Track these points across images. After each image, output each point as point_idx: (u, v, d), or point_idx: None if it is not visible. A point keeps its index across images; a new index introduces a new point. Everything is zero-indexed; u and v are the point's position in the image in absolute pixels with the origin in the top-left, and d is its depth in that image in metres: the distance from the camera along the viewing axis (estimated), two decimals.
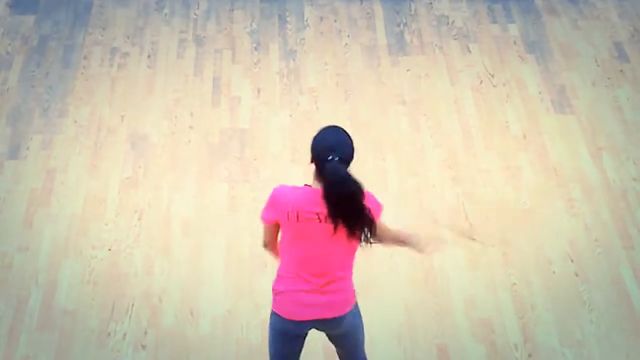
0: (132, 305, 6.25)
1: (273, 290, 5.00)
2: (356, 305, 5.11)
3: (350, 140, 4.83)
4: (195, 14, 8.65)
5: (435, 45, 8.32)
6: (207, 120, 7.59)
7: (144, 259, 6.54)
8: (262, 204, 6.80)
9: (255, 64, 8.14)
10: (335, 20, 8.61)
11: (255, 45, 8.33)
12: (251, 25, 8.55)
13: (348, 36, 8.44)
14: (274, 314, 5.00)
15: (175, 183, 7.09)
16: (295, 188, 4.87)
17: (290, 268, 4.92)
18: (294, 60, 8.19)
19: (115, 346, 6.03)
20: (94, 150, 7.30)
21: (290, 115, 7.67)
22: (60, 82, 7.89)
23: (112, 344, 6.04)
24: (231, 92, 7.85)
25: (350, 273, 4.99)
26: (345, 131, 4.86)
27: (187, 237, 6.70)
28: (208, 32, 8.45)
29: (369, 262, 6.51)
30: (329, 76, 8.03)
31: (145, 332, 6.10)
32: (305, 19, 8.63)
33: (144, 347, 6.03)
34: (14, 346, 5.99)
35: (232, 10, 8.71)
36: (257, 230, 6.66)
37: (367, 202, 4.81)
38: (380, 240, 5.00)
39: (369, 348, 5.99)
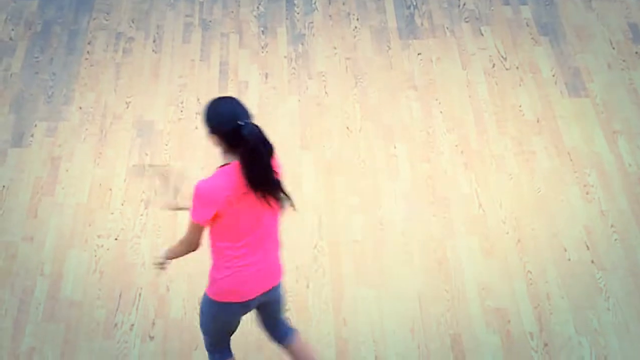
0: (140, 295, 6.14)
1: (216, 280, 4.88)
2: None
3: (241, 101, 4.72)
4: None
5: (447, 28, 8.18)
6: None
7: (151, 249, 6.43)
8: None
9: (263, 48, 8.01)
10: (343, 3, 8.47)
11: (262, 29, 8.20)
12: (258, 8, 8.41)
13: (357, 19, 8.30)
14: (221, 303, 4.91)
15: (183, 170, 6.97)
16: (215, 176, 4.66)
17: (230, 252, 4.82)
18: (302, 44, 8.05)
19: (122, 337, 5.93)
20: (99, 138, 7.18)
21: (299, 100, 7.54)
22: (64, 68, 7.77)
23: (119, 335, 5.93)
24: (238, 77, 7.73)
25: (279, 240, 4.98)
26: (232, 97, 4.71)
27: None
28: (214, 16, 8.32)
29: (381, 252, 6.41)
30: (338, 60, 7.90)
31: (153, 323, 5.99)
32: (313, 1, 8.49)
33: (151, 338, 5.93)
34: (20, 337, 5.89)
35: None
36: None
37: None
38: None
39: (382, 339, 5.89)
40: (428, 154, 7.12)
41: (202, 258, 6.37)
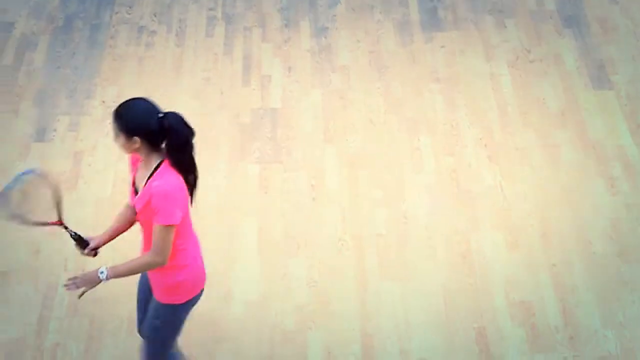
0: None
1: (184, 282, 4.84)
2: None
3: None
4: None
5: (470, 20, 8.14)
6: (237, 99, 7.45)
7: None
8: (294, 185, 6.74)
9: (286, 41, 7.99)
10: None
11: (285, 22, 8.18)
12: (281, 1, 8.40)
13: (380, 12, 8.27)
14: (187, 302, 4.90)
15: (206, 164, 6.95)
16: (169, 175, 4.60)
17: (193, 251, 4.85)
18: (325, 37, 8.03)
19: None
20: None
21: (322, 94, 7.53)
22: (86, 62, 7.77)
23: None
24: (262, 70, 7.71)
25: None
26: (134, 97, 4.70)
27: (219, 219, 6.58)
28: (237, 9, 8.30)
29: (405, 246, 6.39)
30: (362, 53, 7.87)
31: None
32: None
33: None
34: (44, 334, 5.90)
35: None
36: (291, 212, 6.57)
37: None
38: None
39: (407, 333, 5.88)
40: (452, 147, 7.09)
41: (226, 252, 6.36)
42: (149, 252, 4.70)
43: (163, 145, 4.59)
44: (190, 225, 4.81)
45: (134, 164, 4.79)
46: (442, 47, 7.90)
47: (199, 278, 4.91)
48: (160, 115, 4.51)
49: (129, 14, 8.24)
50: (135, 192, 4.74)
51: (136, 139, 4.51)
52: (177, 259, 4.78)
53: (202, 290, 4.96)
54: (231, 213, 6.63)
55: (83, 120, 7.26)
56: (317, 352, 5.83)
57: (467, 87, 7.54)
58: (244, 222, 6.57)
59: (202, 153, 6.97)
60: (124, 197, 6.68)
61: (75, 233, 4.97)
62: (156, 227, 4.60)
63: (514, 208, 6.64)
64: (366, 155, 7.05)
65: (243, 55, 7.84)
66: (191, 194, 4.73)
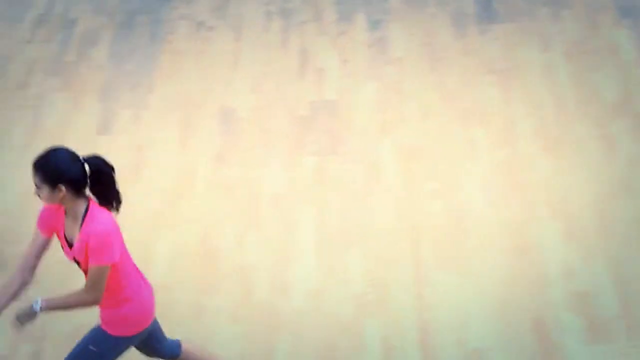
0: (225, 279, 6.26)
1: (127, 316, 4.79)
2: None
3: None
4: None
5: (525, 12, 8.17)
6: (294, 93, 7.55)
7: (235, 233, 6.54)
8: (351, 177, 6.82)
9: (341, 34, 8.07)
10: None
11: (340, 15, 8.26)
12: None
13: (434, 5, 8.33)
14: (132, 337, 4.84)
15: (264, 157, 7.07)
16: (103, 215, 4.57)
17: (136, 286, 4.77)
18: (380, 30, 8.10)
19: (209, 320, 6.04)
20: (182, 125, 7.31)
21: (377, 86, 7.60)
22: (147, 57, 7.91)
23: (206, 318, 6.05)
24: (317, 64, 7.81)
25: None
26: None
27: (277, 211, 6.68)
28: (293, 3, 8.40)
29: (462, 237, 6.43)
30: (416, 46, 7.93)
31: (238, 307, 6.10)
32: None
33: (237, 321, 6.03)
34: None
35: None
36: (347, 204, 6.65)
37: None
38: None
39: (464, 323, 5.93)
40: (507, 138, 7.13)
41: (284, 243, 6.45)
42: (84, 290, 4.63)
43: (86, 190, 4.60)
44: (129, 258, 4.76)
45: (45, 220, 4.75)
46: (497, 39, 7.94)
47: (144, 314, 4.84)
48: (82, 161, 4.52)
49: (188, 9, 8.38)
50: (68, 244, 4.71)
51: (61, 187, 4.49)
52: (118, 294, 4.75)
53: (147, 328, 4.88)
54: (288, 204, 6.73)
55: (144, 114, 7.40)
56: (375, 341, 5.90)
57: (522, 78, 7.58)
58: (301, 214, 6.67)
59: (259, 146, 7.12)
60: (186, 189, 6.83)
61: None
62: (92, 268, 4.56)
63: (570, 199, 6.67)
64: (421, 146, 7.11)
65: (299, 49, 7.94)
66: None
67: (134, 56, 7.91)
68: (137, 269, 4.82)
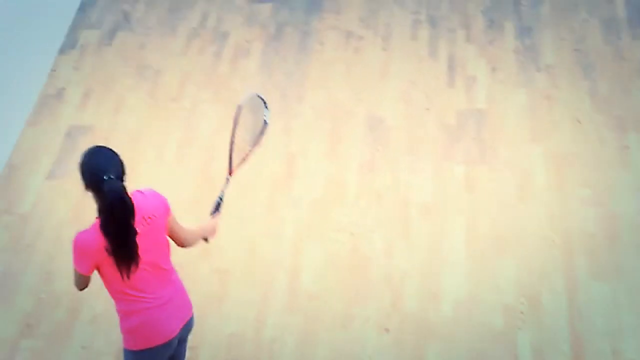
0: (374, 288, 6.30)
1: (132, 330, 4.84)
2: None
3: (116, 153, 4.59)
4: None
5: None
6: (442, 101, 7.56)
7: (385, 242, 6.58)
8: (501, 185, 6.78)
9: (490, 42, 8.04)
10: None
11: (489, 23, 8.23)
12: (485, 3, 8.45)
13: (585, 10, 8.22)
14: (144, 351, 4.88)
15: (413, 165, 7.09)
16: (91, 229, 4.57)
17: (129, 298, 4.77)
18: (529, 37, 8.04)
19: (359, 329, 6.10)
20: (332, 135, 7.39)
21: (527, 94, 7.54)
22: (297, 67, 8.02)
23: (355, 327, 6.10)
24: (466, 71, 7.79)
25: (176, 276, 4.95)
26: (108, 148, 4.62)
27: (426, 220, 6.70)
28: (441, 11, 8.40)
29: (616, 245, 6.34)
30: (567, 52, 7.84)
31: (388, 316, 6.14)
32: None
33: (387, 330, 6.07)
34: (262, 329, 6.14)
35: None
36: (498, 212, 6.62)
37: (151, 201, 4.69)
38: (178, 238, 4.93)
39: (619, 332, 5.84)
40: None
41: (434, 252, 6.46)
42: None
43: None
44: (116, 279, 4.71)
45: None
46: None
47: (148, 331, 4.86)
48: (104, 178, 4.47)
49: (337, 19, 8.46)
50: None
51: (87, 189, 4.57)
52: (119, 305, 4.85)
53: (164, 344, 4.91)
54: (438, 213, 6.74)
55: (295, 124, 7.51)
56: (527, 350, 5.86)
57: None
58: (451, 222, 6.67)
59: (407, 154, 7.14)
60: (336, 197, 6.90)
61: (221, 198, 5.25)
62: None
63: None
64: (573, 154, 7.03)
65: (448, 57, 7.94)
66: (123, 260, 4.63)
67: (284, 66, 8.04)
68: (139, 289, 4.76)
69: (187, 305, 5.01)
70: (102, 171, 4.47)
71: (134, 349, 4.90)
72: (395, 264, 6.43)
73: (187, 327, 5.03)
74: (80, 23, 8.74)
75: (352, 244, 6.60)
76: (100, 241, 4.56)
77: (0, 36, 7.47)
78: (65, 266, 6.55)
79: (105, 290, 5.70)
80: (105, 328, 6.15)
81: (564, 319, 5.96)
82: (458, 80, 7.72)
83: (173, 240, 4.93)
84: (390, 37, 8.21)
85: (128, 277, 4.66)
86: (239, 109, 5.33)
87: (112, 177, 4.46)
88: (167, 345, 4.91)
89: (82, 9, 8.90)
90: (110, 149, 4.59)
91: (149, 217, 4.68)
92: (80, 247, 4.60)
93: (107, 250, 4.57)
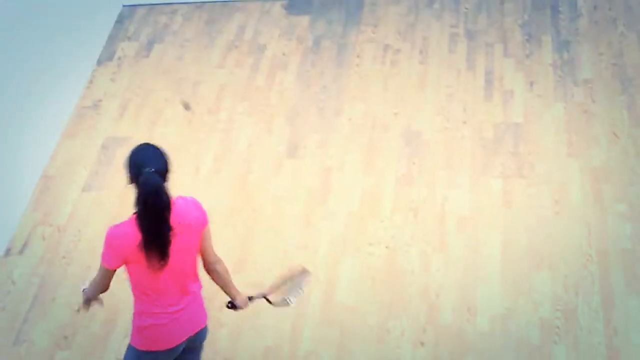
0: (410, 302, 6.29)
1: (139, 328, 4.92)
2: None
3: (163, 152, 4.67)
4: (465, 8, 8.61)
5: None
6: (480, 114, 7.54)
7: (421, 256, 6.57)
8: (538, 199, 6.75)
9: (528, 56, 8.02)
10: (609, 9, 8.36)
11: (527, 37, 8.21)
12: (522, 17, 8.43)
13: (624, 24, 8.18)
14: (146, 352, 4.94)
15: (450, 179, 7.08)
16: (126, 223, 4.66)
17: (150, 299, 4.84)
18: (567, 51, 8.01)
19: (394, 343, 6.09)
20: (368, 148, 7.39)
21: (565, 108, 7.51)
22: (334, 81, 8.04)
23: (391, 341, 6.10)
24: (503, 85, 7.77)
25: (199, 287, 4.99)
26: (156, 146, 4.70)
27: (463, 234, 6.68)
28: (479, 25, 8.39)
29: None
30: (605, 67, 7.81)
31: (424, 330, 6.13)
32: (578, 8, 8.42)
33: (422, 344, 6.06)
34: (298, 341, 6.14)
35: (503, 2, 8.61)
36: (534, 226, 6.59)
37: (192, 210, 4.77)
38: (207, 254, 4.97)
39: None
40: None
41: (470, 266, 6.45)
42: None
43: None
44: (153, 280, 4.80)
45: None
46: None
47: (158, 337, 4.93)
48: (143, 170, 4.56)
49: (374, 33, 8.47)
50: None
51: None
52: (134, 303, 4.91)
53: (167, 350, 4.97)
54: (475, 226, 6.72)
55: (332, 137, 7.52)
56: None
57: None
58: (487, 236, 6.65)
59: (444, 168, 7.13)
60: (372, 211, 6.90)
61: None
62: None
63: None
64: (610, 168, 6.99)
65: (485, 71, 7.92)
66: (154, 252, 4.69)
67: (321, 80, 8.05)
68: (159, 292, 4.82)
69: (201, 316, 5.05)
70: (143, 164, 4.56)
71: (137, 347, 4.97)
72: (431, 277, 6.42)
73: (198, 337, 5.07)
74: (118, 35, 8.81)
75: (387, 257, 6.60)
76: (133, 235, 4.63)
77: (38, 47, 7.54)
78: None
79: None
80: None
81: (600, 335, 5.93)
82: (495, 94, 7.70)
83: (201, 255, 4.97)
84: (427, 51, 8.21)
85: (160, 269, 4.70)
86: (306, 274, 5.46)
87: (152, 170, 4.54)
88: (168, 352, 4.96)
89: (120, 21, 8.97)
90: (158, 147, 4.69)
91: (186, 224, 4.73)
92: (112, 238, 4.66)
93: (139, 245, 4.62)
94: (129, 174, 4.63)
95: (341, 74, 8.09)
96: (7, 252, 6.92)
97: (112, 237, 4.66)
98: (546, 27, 8.28)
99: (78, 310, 5.38)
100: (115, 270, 4.77)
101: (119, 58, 8.53)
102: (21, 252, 6.91)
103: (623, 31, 8.11)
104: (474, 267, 6.46)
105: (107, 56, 8.57)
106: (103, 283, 4.82)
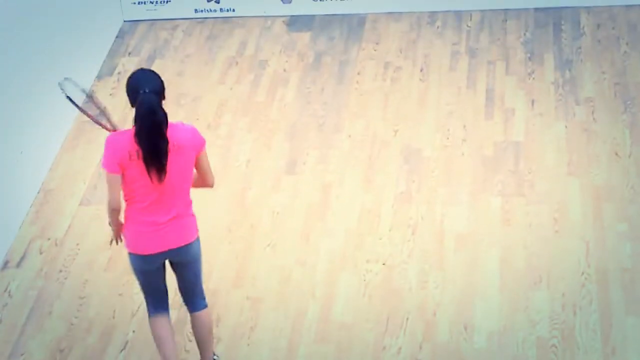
0: (407, 319, 6.26)
1: (125, 233, 5.38)
2: (198, 238, 5.49)
3: (158, 75, 5.20)
4: (467, 26, 8.61)
5: None
6: (480, 132, 7.53)
7: (418, 273, 6.54)
8: (537, 218, 6.73)
9: (529, 74, 8.01)
10: (613, 28, 8.35)
11: (529, 55, 8.20)
12: (525, 35, 8.43)
13: (627, 43, 8.17)
14: (131, 254, 5.41)
15: (449, 196, 7.06)
16: (124, 131, 5.22)
17: (136, 208, 5.28)
18: (569, 70, 8.00)
19: None
20: (368, 165, 7.38)
21: (566, 126, 7.49)
22: (334, 97, 8.03)
23: (387, 358, 6.05)
24: (505, 104, 7.76)
25: (187, 206, 5.39)
26: (151, 70, 5.29)
27: (461, 251, 6.65)
28: (481, 43, 8.39)
29: None
30: (607, 85, 7.79)
31: (420, 347, 6.09)
32: (581, 26, 8.42)
33: None
34: (293, 358, 6.10)
35: (506, 20, 8.61)
36: (533, 245, 6.56)
37: (187, 134, 5.22)
38: (203, 175, 5.44)
39: None
40: None
41: (468, 284, 6.42)
42: None
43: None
44: (141, 191, 5.20)
45: None
46: None
47: (135, 242, 5.35)
48: (141, 91, 5.07)
49: (376, 50, 8.47)
50: None
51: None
52: (127, 208, 5.34)
53: (144, 257, 5.36)
54: (473, 244, 6.69)
55: (331, 154, 7.50)
56: None
57: None
58: (486, 253, 6.62)
59: (443, 185, 7.11)
60: (370, 228, 6.88)
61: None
62: None
63: None
64: (611, 187, 6.96)
65: (486, 89, 7.92)
66: (153, 164, 5.13)
67: (321, 96, 8.05)
68: (147, 202, 5.24)
69: (188, 233, 5.40)
70: (140, 86, 5.10)
71: (127, 249, 5.43)
72: (429, 295, 6.38)
73: (184, 252, 5.42)
74: (118, 50, 8.82)
75: (385, 274, 6.56)
76: (129, 143, 5.11)
77: (39, 61, 7.54)
78: (98, 292, 6.58)
79: (137, 317, 6.24)
80: (137, 354, 6.14)
81: (598, 354, 5.88)
82: (496, 112, 7.69)
83: (198, 175, 5.41)
84: (428, 68, 8.20)
85: (159, 180, 5.15)
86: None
87: (147, 90, 5.06)
88: (144, 259, 5.38)
89: (121, 36, 8.98)
90: (153, 71, 5.27)
91: (180, 145, 5.16)
92: (109, 143, 5.16)
93: (137, 153, 5.09)
94: (129, 98, 5.15)
95: (342, 91, 8.08)
96: (5, 264, 6.91)
97: (109, 142, 5.17)
98: (548, 46, 8.27)
99: (111, 243, 5.63)
100: (118, 179, 5.18)
101: (119, 73, 8.53)
102: (19, 265, 6.89)
103: (626, 50, 8.10)
104: (472, 285, 6.43)
105: (107, 71, 8.58)
106: (111, 194, 5.23)
